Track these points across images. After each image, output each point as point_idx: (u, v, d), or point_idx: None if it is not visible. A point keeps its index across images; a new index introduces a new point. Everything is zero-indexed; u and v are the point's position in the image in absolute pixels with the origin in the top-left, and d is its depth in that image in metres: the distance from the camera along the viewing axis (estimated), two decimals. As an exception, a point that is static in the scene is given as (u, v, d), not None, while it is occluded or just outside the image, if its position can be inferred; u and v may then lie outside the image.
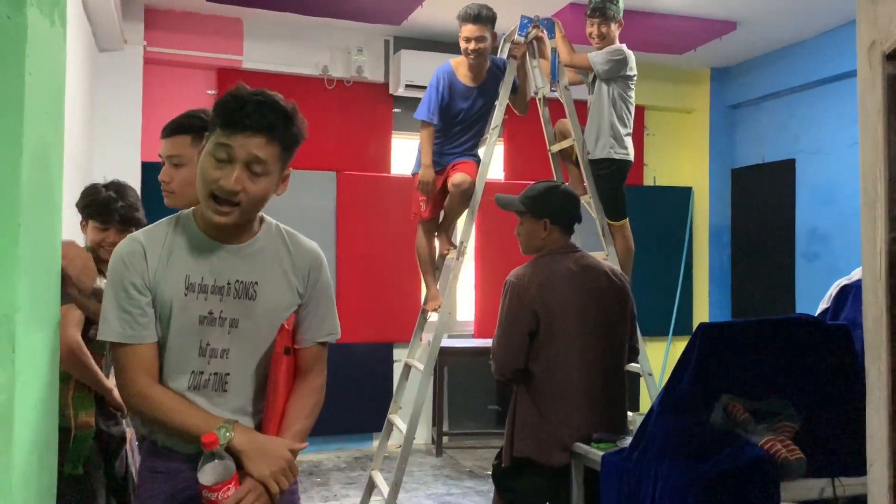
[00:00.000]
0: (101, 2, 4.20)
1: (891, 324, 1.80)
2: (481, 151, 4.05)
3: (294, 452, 1.61)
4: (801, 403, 2.26)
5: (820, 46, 5.72)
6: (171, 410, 1.54)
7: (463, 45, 3.84)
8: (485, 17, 3.80)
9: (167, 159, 1.98)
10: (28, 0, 1.22)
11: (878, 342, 1.85)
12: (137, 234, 1.64)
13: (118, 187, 2.63)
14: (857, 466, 1.96)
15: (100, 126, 4.96)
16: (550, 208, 2.78)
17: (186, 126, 1.96)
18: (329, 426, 5.71)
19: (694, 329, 2.32)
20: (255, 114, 1.52)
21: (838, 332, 2.41)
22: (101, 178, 2.80)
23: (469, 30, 3.80)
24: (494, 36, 3.91)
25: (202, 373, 1.59)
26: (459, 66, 3.96)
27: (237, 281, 1.61)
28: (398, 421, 4.22)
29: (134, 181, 4.97)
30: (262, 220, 1.70)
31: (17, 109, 1.21)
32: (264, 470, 1.53)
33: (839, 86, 5.67)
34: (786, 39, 5.92)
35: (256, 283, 1.62)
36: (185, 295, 1.57)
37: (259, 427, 1.64)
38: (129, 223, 2.55)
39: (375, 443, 5.12)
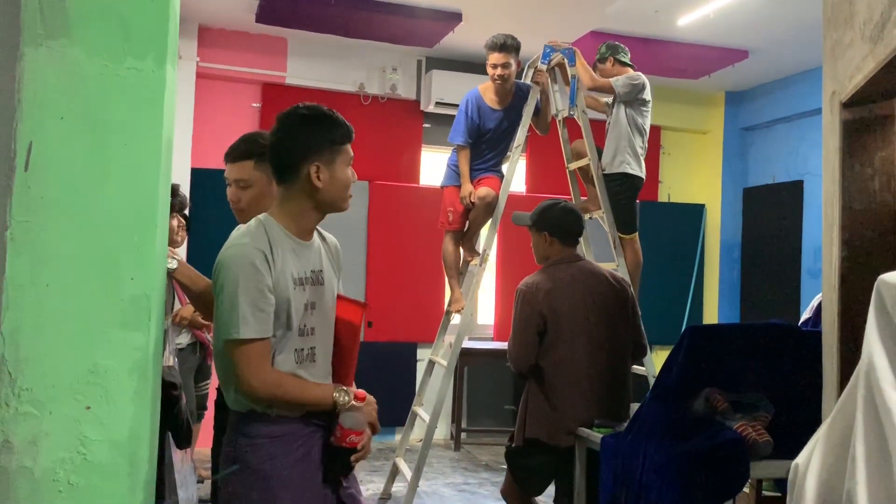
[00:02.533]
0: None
1: (842, 326, 2.15)
2: (505, 167, 4.45)
3: None
4: (775, 398, 2.61)
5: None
6: (300, 389, 1.87)
7: (490, 71, 4.25)
8: (510, 46, 4.20)
9: (234, 182, 2.28)
10: (166, 58, 1.64)
11: (832, 342, 2.20)
12: (250, 241, 1.86)
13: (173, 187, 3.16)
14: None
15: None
16: (549, 222, 3.18)
17: (250, 152, 2.27)
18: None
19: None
20: (348, 127, 1.99)
21: (812, 338, 2.75)
22: None
23: (496, 57, 4.21)
24: (519, 63, 4.31)
25: (302, 349, 1.92)
26: (486, 91, 4.36)
27: (312, 270, 1.97)
28: (421, 412, 4.61)
29: (184, 186, 5.43)
30: None
31: (157, 141, 1.62)
32: (373, 414, 1.99)
33: (845, 113, 5.97)
34: (795, 67, 6.25)
35: (321, 270, 2.00)
36: (295, 288, 1.88)
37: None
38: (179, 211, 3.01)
39: (398, 436, 5.49)
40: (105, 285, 1.54)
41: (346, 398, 1.90)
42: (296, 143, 1.91)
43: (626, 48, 4.55)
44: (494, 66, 4.22)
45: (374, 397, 2.02)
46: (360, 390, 1.94)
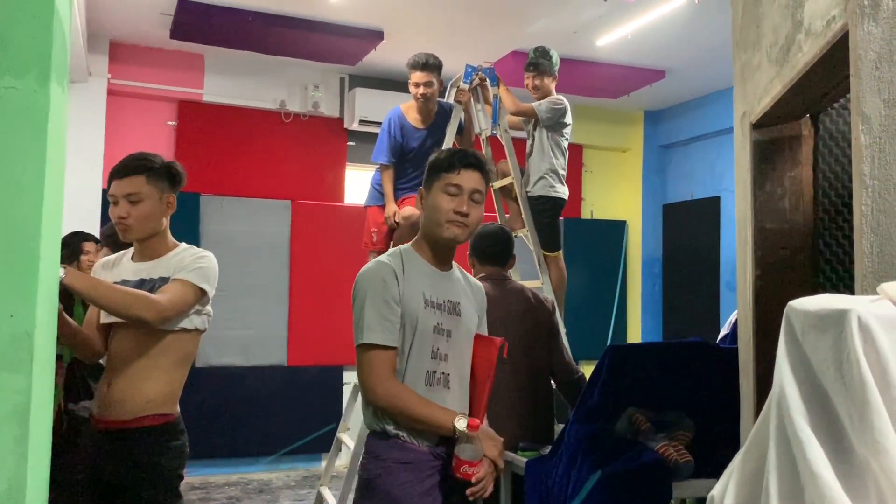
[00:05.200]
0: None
1: (757, 345, 2.18)
2: (429, 187, 4.41)
3: None
4: (695, 416, 2.62)
5: (740, 95, 6.25)
6: (417, 403, 1.90)
7: (413, 89, 4.22)
8: (432, 65, 4.19)
9: (124, 197, 2.26)
10: (50, 77, 1.52)
11: (748, 360, 2.22)
12: (382, 259, 2.02)
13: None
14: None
15: (63, 154, 5.14)
16: (470, 245, 3.20)
17: (141, 167, 2.28)
18: (280, 446, 5.93)
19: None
20: (471, 156, 2.04)
21: (728, 355, 2.79)
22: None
23: (418, 76, 4.18)
24: (441, 82, 4.29)
25: (434, 372, 1.96)
26: (409, 110, 4.33)
27: (448, 300, 2.03)
28: (346, 438, 4.49)
29: (95, 208, 5.19)
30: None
31: (40, 163, 1.49)
32: (493, 451, 1.93)
33: (757, 131, 6.19)
34: (710, 87, 6.45)
35: (459, 303, 2.05)
36: (425, 308, 1.96)
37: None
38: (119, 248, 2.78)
39: (324, 462, 5.35)
40: (-20, 324, 1.41)
41: (464, 425, 1.89)
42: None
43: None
44: (417, 85, 4.19)
45: (493, 432, 1.99)
46: (473, 419, 1.90)
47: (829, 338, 1.00)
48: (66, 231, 2.89)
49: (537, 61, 4.38)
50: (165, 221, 2.36)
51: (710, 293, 6.62)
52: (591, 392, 2.57)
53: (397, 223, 4.26)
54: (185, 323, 2.27)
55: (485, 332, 2.16)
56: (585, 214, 7.26)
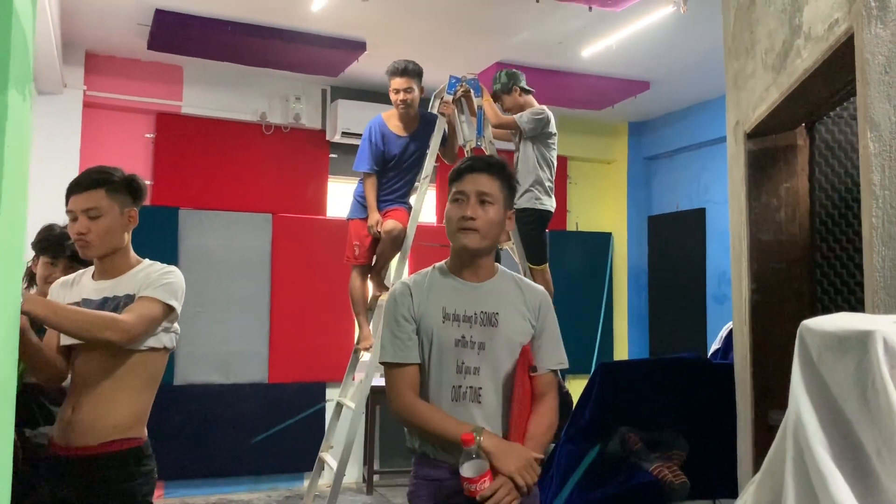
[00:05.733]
0: (41, 46, 4.31)
1: (754, 361, 2.11)
2: (413, 198, 4.32)
3: (535, 458, 1.89)
4: (689, 434, 2.55)
5: (724, 105, 6.22)
6: (430, 419, 1.91)
7: (393, 96, 4.16)
8: (411, 71, 4.13)
9: (83, 212, 2.16)
10: (8, 82, 1.42)
11: (745, 378, 2.15)
12: (405, 278, 2.09)
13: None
14: (735, 488, 2.25)
15: (35, 168, 4.99)
16: None
17: (101, 181, 2.19)
18: (261, 465, 5.79)
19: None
20: (476, 160, 2.05)
21: (722, 370, 2.72)
22: (35, 219, 2.87)
23: (398, 82, 4.13)
24: (422, 89, 4.23)
25: (460, 387, 1.94)
26: (390, 118, 4.26)
27: (482, 311, 1.98)
28: (329, 459, 4.36)
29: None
30: (497, 267, 2.12)
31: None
32: (510, 466, 1.82)
33: (742, 142, 6.17)
34: (695, 98, 6.43)
35: (497, 313, 1.99)
36: (443, 322, 1.96)
37: (505, 436, 1.93)
38: (78, 260, 2.60)
39: (307, 482, 5.22)
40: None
41: (479, 438, 1.82)
42: None
43: (522, 73, 4.53)
44: (397, 92, 4.13)
45: (518, 446, 1.88)
46: (467, 433, 1.82)
47: (851, 361, 0.92)
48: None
49: (496, 88, 4.41)
50: (127, 237, 2.25)
51: (697, 305, 6.57)
52: (582, 411, 2.49)
53: (380, 233, 4.16)
54: (153, 342, 2.16)
55: (550, 339, 2.07)
56: (570, 227, 7.20)
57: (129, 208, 2.23)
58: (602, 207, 7.34)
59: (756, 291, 2.07)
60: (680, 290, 6.80)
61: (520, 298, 2.06)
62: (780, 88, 1.76)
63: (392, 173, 4.27)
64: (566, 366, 2.08)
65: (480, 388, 1.95)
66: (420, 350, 1.97)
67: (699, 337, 6.49)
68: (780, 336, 2.03)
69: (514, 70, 4.56)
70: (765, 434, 2.02)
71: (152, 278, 2.18)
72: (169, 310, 2.17)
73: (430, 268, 2.10)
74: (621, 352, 7.08)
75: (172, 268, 2.27)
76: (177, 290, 2.21)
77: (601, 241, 7.24)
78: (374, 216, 4.15)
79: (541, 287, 2.15)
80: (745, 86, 2.08)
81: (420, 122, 4.27)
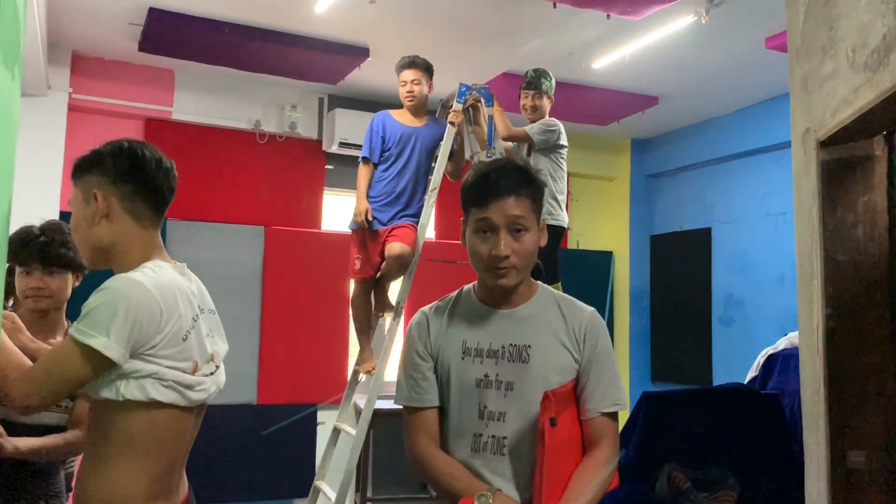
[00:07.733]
0: (26, 47, 4.06)
1: (829, 395, 1.89)
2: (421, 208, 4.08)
3: None
4: (739, 471, 2.32)
5: (734, 123, 6.08)
6: (442, 473, 1.62)
7: (401, 90, 4.01)
8: (420, 63, 4.02)
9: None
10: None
11: (817, 413, 1.93)
12: (426, 307, 1.80)
13: (50, 226, 2.25)
14: (795, 535, 2.01)
15: (17, 172, 4.72)
16: None
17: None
18: (249, 490, 5.48)
19: (637, 398, 2.36)
20: (501, 180, 1.65)
21: (769, 400, 2.50)
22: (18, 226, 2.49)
23: (406, 74, 4.00)
24: (431, 86, 4.05)
25: (481, 435, 1.63)
26: (396, 112, 4.11)
27: (511, 344, 1.66)
28: (326, 488, 4.09)
29: (51, 231, 4.75)
30: (536, 286, 1.78)
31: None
32: None
33: (753, 160, 6.02)
34: (702, 116, 6.27)
35: (529, 346, 1.66)
36: (462, 359, 1.67)
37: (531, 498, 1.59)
38: (52, 262, 2.15)
39: (297, 509, 4.94)
40: None
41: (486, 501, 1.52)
42: None
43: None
44: (404, 84, 4.03)
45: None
46: (468, 499, 1.55)
47: None
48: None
49: (538, 81, 4.15)
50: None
51: (702, 328, 6.38)
52: (625, 448, 2.25)
53: (368, 220, 3.90)
54: (107, 392, 1.50)
55: (602, 373, 1.71)
56: (571, 244, 7.00)
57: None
58: (603, 225, 7.16)
59: (832, 317, 1.86)
60: (683, 311, 6.60)
61: (561, 326, 1.70)
62: (877, 89, 1.56)
63: (391, 163, 4.02)
64: (625, 407, 1.74)
65: (505, 438, 1.62)
66: (440, 390, 1.70)
67: (704, 361, 6.29)
68: (859, 367, 1.82)
69: (547, 71, 4.30)
70: (843, 477, 1.80)
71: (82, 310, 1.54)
72: (91, 351, 1.45)
73: (456, 291, 1.80)
74: (622, 374, 6.85)
75: (111, 280, 1.57)
76: (105, 315, 1.48)
77: (602, 260, 7.05)
78: (362, 204, 3.94)
79: (589, 308, 1.79)
80: (820, 89, 1.88)
81: (428, 120, 4.11)
